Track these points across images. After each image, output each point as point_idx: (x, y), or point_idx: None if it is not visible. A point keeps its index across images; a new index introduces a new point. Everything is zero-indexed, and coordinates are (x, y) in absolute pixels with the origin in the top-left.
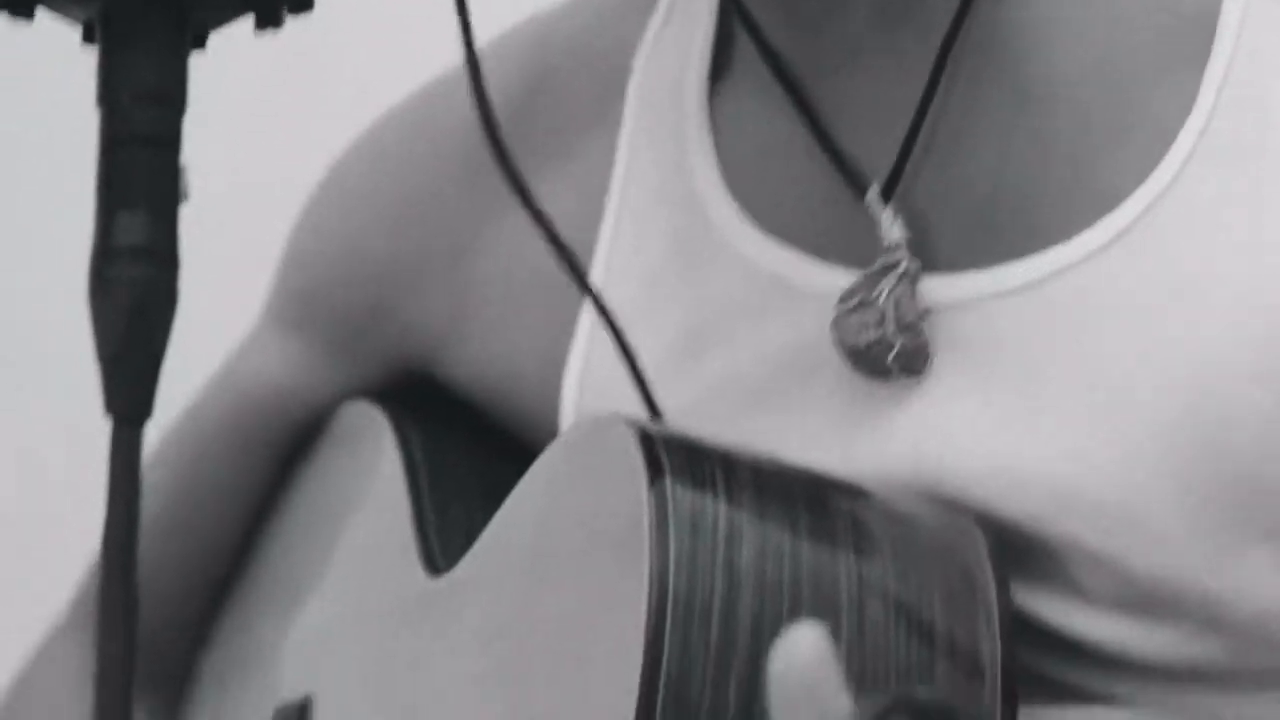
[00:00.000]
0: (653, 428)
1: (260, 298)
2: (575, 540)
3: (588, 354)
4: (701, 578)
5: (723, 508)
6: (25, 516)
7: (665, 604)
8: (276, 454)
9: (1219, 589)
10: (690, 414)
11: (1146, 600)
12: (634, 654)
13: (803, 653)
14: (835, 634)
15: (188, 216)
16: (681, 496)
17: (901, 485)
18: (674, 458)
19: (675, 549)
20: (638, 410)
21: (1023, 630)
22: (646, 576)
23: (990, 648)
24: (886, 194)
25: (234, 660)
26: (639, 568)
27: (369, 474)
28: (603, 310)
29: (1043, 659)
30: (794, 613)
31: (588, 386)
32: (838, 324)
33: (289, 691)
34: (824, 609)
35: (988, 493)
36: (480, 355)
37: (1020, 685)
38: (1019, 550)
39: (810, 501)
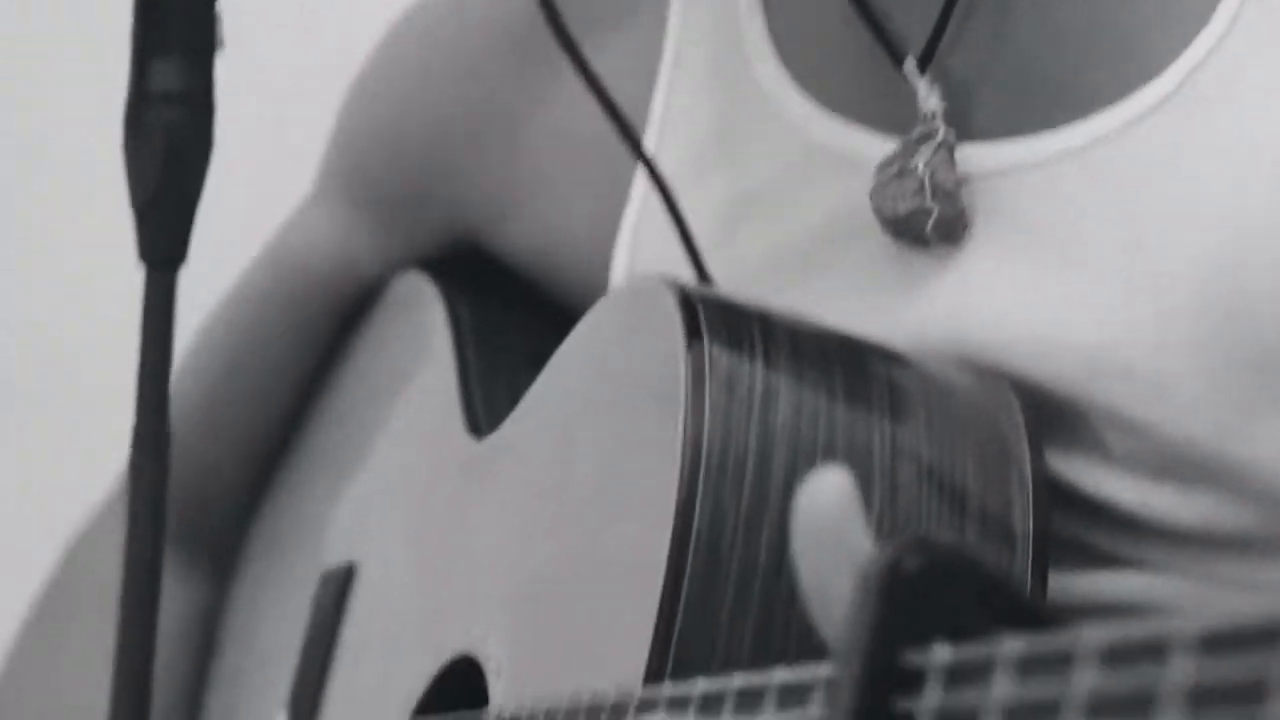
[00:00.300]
0: (692, 288)
1: None
2: (613, 399)
3: (639, 222)
4: (735, 435)
5: (759, 368)
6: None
7: (699, 460)
8: (329, 327)
9: (1248, 456)
10: (735, 282)
11: (1176, 466)
12: (666, 509)
13: (826, 491)
14: (867, 496)
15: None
16: (719, 355)
17: (940, 352)
18: (712, 318)
19: (711, 406)
20: (688, 277)
21: (1055, 496)
22: (681, 433)
23: (1022, 514)
24: (923, 63)
25: (284, 529)
26: (674, 424)
27: (417, 344)
28: (655, 176)
29: (1074, 524)
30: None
31: (639, 255)
32: (877, 192)
33: (334, 558)
34: (857, 470)
35: (1023, 358)
36: (531, 224)
37: (1052, 551)
38: (1052, 416)
39: (847, 364)
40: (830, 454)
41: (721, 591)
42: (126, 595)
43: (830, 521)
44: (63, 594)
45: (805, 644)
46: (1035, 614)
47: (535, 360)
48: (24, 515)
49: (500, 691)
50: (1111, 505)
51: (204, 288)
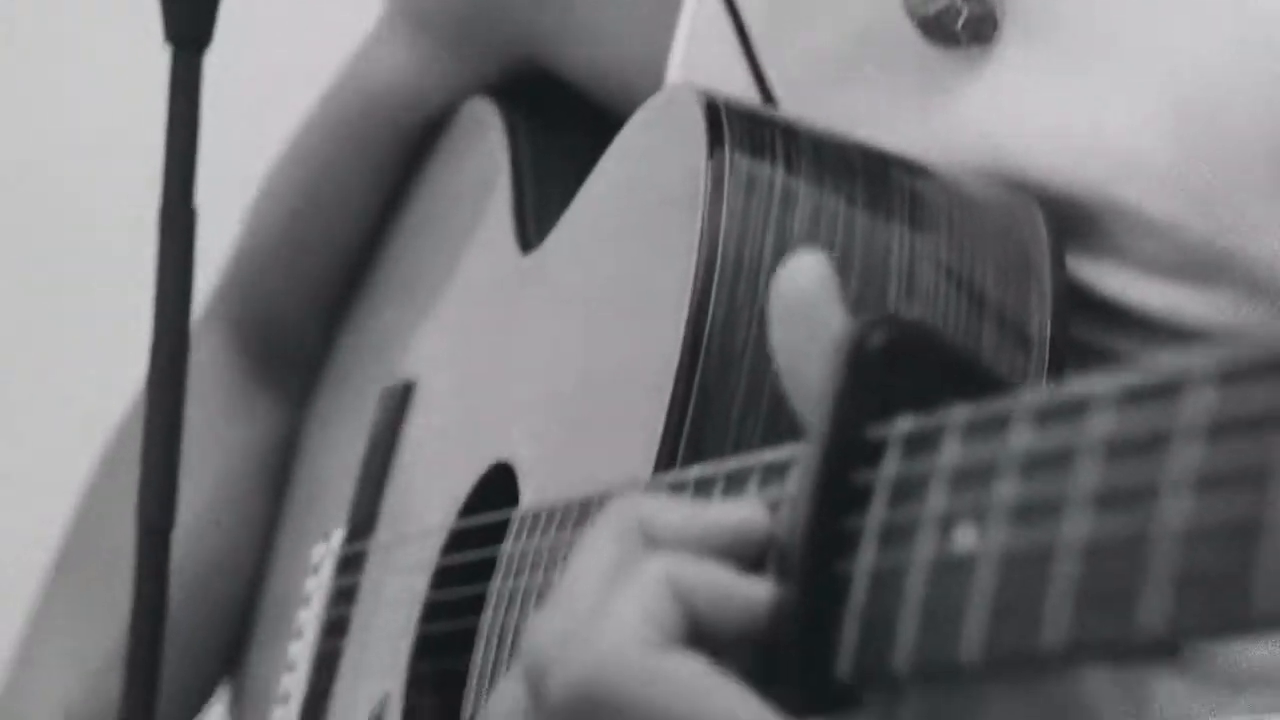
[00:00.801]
0: (718, 95)
1: None
2: (638, 207)
3: (691, 34)
4: (752, 237)
5: (780, 174)
6: None
7: (714, 259)
8: (399, 156)
9: (1267, 252)
10: (777, 91)
11: (1196, 266)
12: (681, 307)
13: (803, 272)
14: (883, 299)
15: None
16: (740, 161)
17: (970, 158)
18: (736, 125)
19: (728, 209)
20: (741, 88)
21: (1077, 302)
22: (697, 233)
23: (1040, 321)
24: None
25: (354, 356)
26: (691, 226)
27: (478, 167)
28: None
29: (1096, 330)
30: (842, 275)
31: (691, 66)
32: None
33: (394, 376)
34: (873, 274)
35: (1049, 156)
36: (590, 42)
37: (1073, 356)
38: (1075, 222)
39: (868, 174)
40: (847, 257)
41: (733, 388)
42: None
43: (805, 302)
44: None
45: None
46: (1001, 386)
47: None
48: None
49: (529, 493)
50: (1133, 309)
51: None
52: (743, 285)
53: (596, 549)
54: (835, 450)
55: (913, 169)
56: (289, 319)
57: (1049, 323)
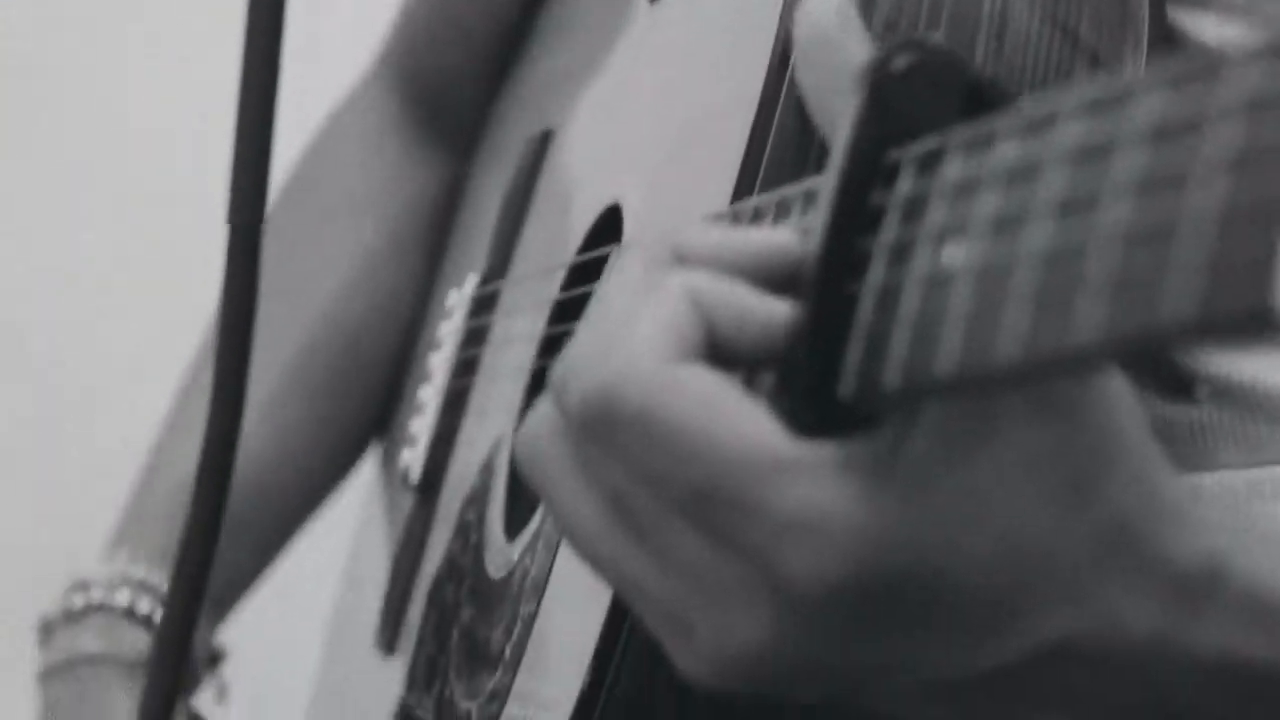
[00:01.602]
0: None
1: None
2: None
3: None
4: None
5: None
6: None
7: None
8: None
9: None
10: None
11: None
12: (766, 46)
13: (819, 5)
14: (972, 43)
15: None
16: None
17: None
18: None
19: None
20: None
21: (1174, 52)
22: None
23: (1134, 70)
24: None
25: (509, 100)
26: None
27: None
28: None
29: None
30: (932, 14)
31: None
32: None
33: (538, 125)
34: (964, 19)
35: None
36: None
37: None
38: None
39: None
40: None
41: (809, 134)
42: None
43: (825, 36)
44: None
45: None
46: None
47: None
48: None
49: (628, 232)
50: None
51: None
52: None
53: (626, 269)
54: (852, 172)
55: None
56: (455, 72)
57: (1143, 71)
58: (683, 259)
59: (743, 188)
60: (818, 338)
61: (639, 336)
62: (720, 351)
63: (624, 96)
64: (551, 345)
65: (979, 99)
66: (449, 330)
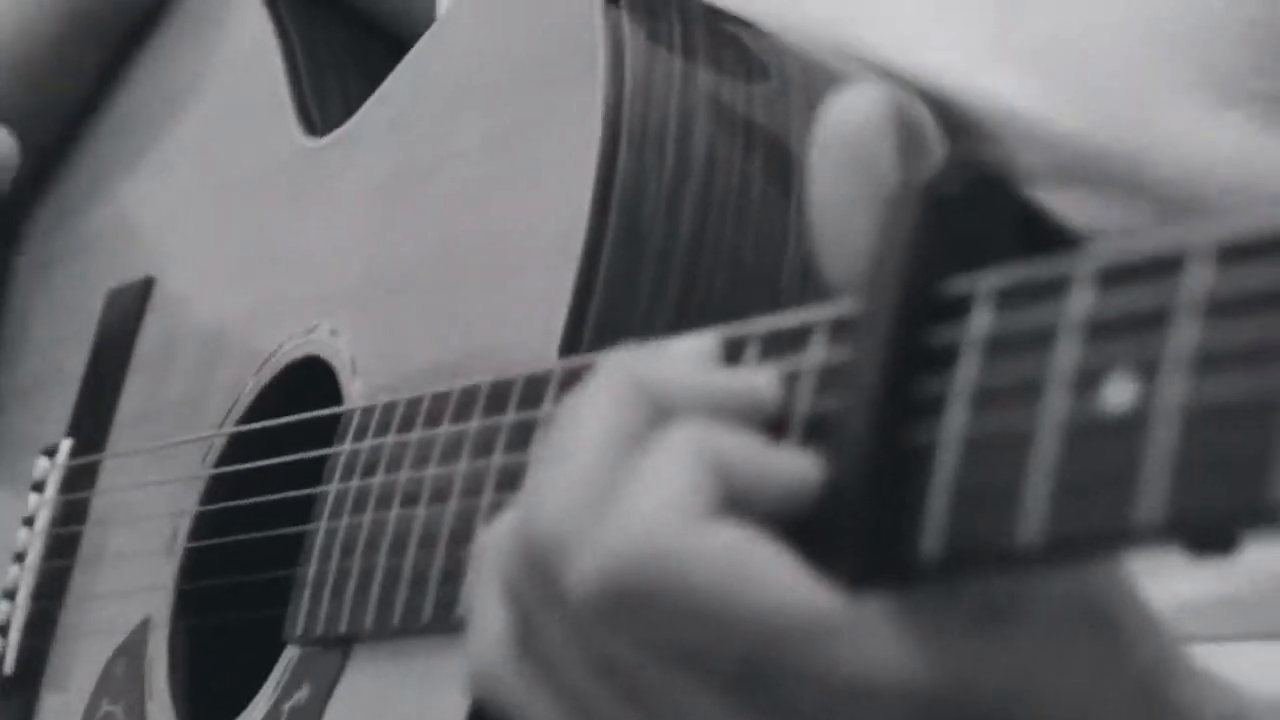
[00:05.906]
0: None
1: None
2: (508, 72)
3: None
4: (656, 103)
5: (678, 39)
6: None
7: (619, 126)
8: (121, 28)
9: (1145, 146)
10: None
11: (1072, 169)
12: (585, 177)
13: (860, 109)
14: (789, 176)
15: None
16: (636, 24)
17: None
18: None
19: (631, 73)
20: None
21: None
22: (601, 99)
23: None
24: None
25: (56, 252)
26: (592, 92)
27: (229, 45)
28: None
29: None
30: (749, 149)
31: None
32: None
33: (125, 274)
34: (776, 143)
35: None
36: None
37: None
38: (953, 117)
39: (754, 41)
40: (749, 124)
41: (643, 263)
42: None
43: (859, 143)
44: None
45: (725, 318)
46: (1072, 241)
47: (362, 65)
48: None
49: (359, 387)
50: None
51: None
52: (650, 154)
53: (596, 417)
54: (909, 306)
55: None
56: None
57: None
58: (666, 406)
59: (573, 330)
60: (877, 492)
61: (656, 499)
62: (739, 509)
63: (289, 233)
64: (207, 523)
65: (1031, 225)
66: (40, 504)
